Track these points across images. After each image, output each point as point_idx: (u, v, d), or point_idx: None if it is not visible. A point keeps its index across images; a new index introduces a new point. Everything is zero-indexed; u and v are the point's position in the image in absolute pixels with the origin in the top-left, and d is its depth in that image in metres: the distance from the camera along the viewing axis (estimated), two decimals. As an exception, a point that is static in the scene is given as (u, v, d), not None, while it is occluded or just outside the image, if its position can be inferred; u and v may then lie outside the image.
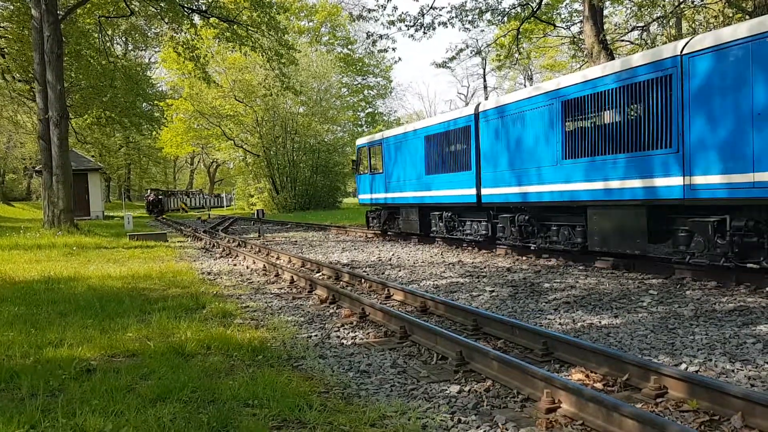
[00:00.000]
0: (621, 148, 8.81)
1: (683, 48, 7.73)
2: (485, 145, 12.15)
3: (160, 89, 47.02)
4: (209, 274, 10.59)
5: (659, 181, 8.14)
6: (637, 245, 8.52)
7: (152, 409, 3.68)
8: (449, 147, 13.57)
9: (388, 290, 7.76)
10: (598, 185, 9.21)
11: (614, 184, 8.90)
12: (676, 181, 7.86)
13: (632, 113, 8.71)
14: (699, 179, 7.52)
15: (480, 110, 12.41)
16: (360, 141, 19.45)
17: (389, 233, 17.42)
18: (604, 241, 9.15)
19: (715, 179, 7.32)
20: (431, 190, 14.37)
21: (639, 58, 8.57)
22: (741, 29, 7.02)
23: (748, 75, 6.86)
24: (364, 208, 18.30)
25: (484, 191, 12.24)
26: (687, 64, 7.66)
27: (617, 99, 8.85)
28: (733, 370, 4.19)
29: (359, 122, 58.34)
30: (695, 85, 7.57)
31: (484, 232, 12.76)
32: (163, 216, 44.51)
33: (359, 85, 60.73)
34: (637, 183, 8.51)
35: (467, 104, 50.58)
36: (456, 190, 13.25)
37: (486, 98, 48.68)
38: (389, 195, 16.82)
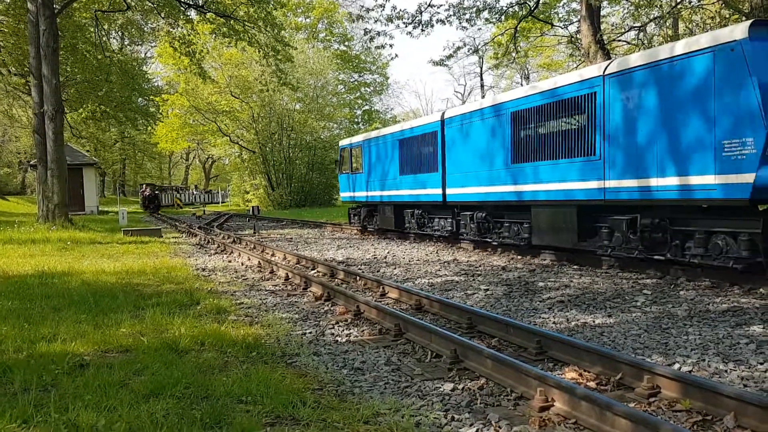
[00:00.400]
0: (556, 155, 9.96)
1: (605, 69, 8.89)
2: (450, 149, 13.31)
3: (156, 84, 46.94)
4: (204, 270, 10.57)
5: (585, 184, 9.31)
6: (570, 240, 9.61)
7: (145, 405, 3.67)
8: (419, 150, 14.75)
9: (383, 288, 7.76)
10: (539, 187, 10.34)
11: (551, 186, 10.03)
12: (599, 184, 9.03)
13: (565, 124, 9.88)
14: (614, 183, 8.73)
15: (445, 117, 13.53)
16: (342, 142, 20.59)
17: (369, 228, 18.38)
18: (544, 237, 10.25)
19: (627, 183, 8.52)
20: (404, 189, 15.54)
21: (571, 77, 9.74)
22: (641, 57, 8.41)
23: (651, 93, 8.15)
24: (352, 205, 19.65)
25: (448, 191, 13.39)
26: (607, 82, 8.83)
27: (553, 112, 10.03)
28: (726, 370, 4.21)
29: (356, 119, 58.28)
30: (607, 102, 8.80)
31: (449, 228, 13.80)
32: (159, 212, 43.81)
33: (356, 83, 60.66)
34: (568, 186, 9.66)
35: (464, 102, 50.60)
36: (425, 189, 14.42)
37: (483, 96, 48.74)
38: (368, 193, 17.93)
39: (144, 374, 4.30)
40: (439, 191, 13.71)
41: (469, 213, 12.79)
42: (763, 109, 6.77)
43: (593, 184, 9.12)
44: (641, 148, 8.30)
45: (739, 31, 7.07)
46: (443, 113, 13.76)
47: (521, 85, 45.61)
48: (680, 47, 7.81)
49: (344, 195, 20.30)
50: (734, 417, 3.24)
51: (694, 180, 7.51)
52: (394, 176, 16.11)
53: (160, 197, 49.04)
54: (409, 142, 15.25)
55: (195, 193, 64.79)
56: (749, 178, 6.82)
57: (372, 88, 62.22)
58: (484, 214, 12.30)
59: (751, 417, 3.19)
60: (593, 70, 9.24)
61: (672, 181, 7.82)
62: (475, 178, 12.27)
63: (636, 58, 8.52)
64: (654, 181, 8.08)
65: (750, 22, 7.11)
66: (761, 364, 4.30)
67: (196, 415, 3.49)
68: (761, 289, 6.85)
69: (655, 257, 8.29)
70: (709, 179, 7.30)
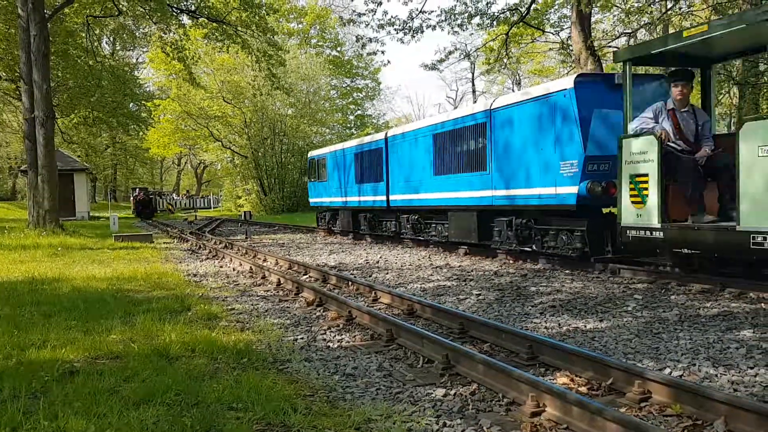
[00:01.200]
0: (463, 169, 12.44)
1: (492, 104, 11.54)
2: (391, 162, 15.89)
3: (148, 89, 46.80)
4: (195, 275, 10.54)
5: (481, 193, 11.77)
6: (474, 238, 12.21)
7: (135, 412, 3.65)
8: (370, 163, 17.20)
9: (375, 293, 7.75)
10: (453, 195, 12.79)
11: (461, 194, 12.49)
12: (489, 193, 11.49)
13: (468, 145, 12.32)
14: (498, 192, 11.25)
15: (388, 136, 16.25)
16: (311, 154, 23.40)
17: (333, 230, 20.78)
18: (457, 235, 12.84)
19: (505, 192, 11.05)
20: (360, 195, 17.95)
21: (474, 107, 12.56)
22: (514, 96, 11.16)
23: (519, 124, 10.65)
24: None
25: (391, 197, 15.90)
26: (493, 115, 11.36)
27: (461, 135, 12.51)
28: (716, 375, 4.22)
29: (348, 125, 58.31)
30: (495, 129, 11.30)
31: (393, 229, 16.34)
32: (153, 218, 41.99)
33: (348, 88, 60.68)
34: (471, 194, 12.13)
35: (455, 107, 50.66)
36: (374, 196, 16.87)
37: (474, 101, 48.86)
38: (331, 199, 20.51)
39: (134, 381, 4.28)
40: (384, 198, 16.22)
41: (406, 216, 15.36)
42: (582, 139, 9.10)
43: (486, 193, 11.62)
44: (514, 166, 10.79)
45: (570, 81, 9.47)
46: (386, 133, 16.54)
47: (512, 90, 45.80)
48: (537, 91, 10.41)
49: (312, 200, 22.96)
50: (724, 422, 3.25)
51: (545, 191, 9.98)
52: (351, 185, 18.60)
53: (154, 202, 47.12)
54: (362, 155, 17.72)
55: (176, 198, 62.90)
56: (575, 189, 9.25)
57: (364, 94, 62.27)
58: (417, 217, 14.96)
59: (742, 422, 3.20)
60: (484, 104, 11.95)
61: (533, 191, 10.31)
62: (409, 187, 14.85)
63: (510, 97, 11.28)
64: (522, 192, 10.59)
65: (576, 74, 9.70)
66: (751, 368, 4.31)
67: (187, 422, 3.47)
68: (751, 294, 6.89)
69: (525, 249, 10.86)
70: (552, 191, 9.80)
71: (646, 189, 7.65)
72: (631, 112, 7.96)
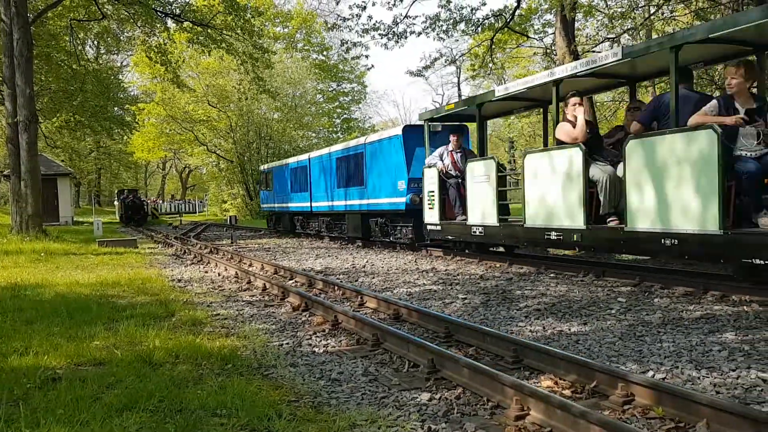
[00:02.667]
0: (352, 184, 17.30)
1: (366, 140, 16.58)
2: (312, 177, 20.88)
3: (132, 93, 46.47)
4: (180, 281, 10.48)
5: (361, 201, 16.68)
6: (361, 234, 16.75)
7: (118, 419, 3.62)
8: (300, 177, 22.25)
9: (362, 297, 7.75)
10: (348, 202, 17.61)
11: (352, 202, 17.33)
12: (366, 201, 16.34)
13: (355, 167, 17.15)
14: (370, 201, 16.04)
15: (310, 157, 21.38)
16: (262, 167, 29.06)
17: (278, 229, 25.47)
18: (352, 233, 17.57)
19: (373, 201, 15.88)
20: (294, 202, 22.93)
21: (357, 141, 17.61)
22: (375, 135, 16.31)
23: (378, 155, 15.61)
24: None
25: (313, 204, 20.80)
26: (366, 147, 16.41)
27: (351, 159, 17.49)
28: (699, 378, 4.26)
29: (335, 128, 58.25)
30: (371, 158, 16.08)
31: (316, 228, 21.12)
32: (141, 226, 36.84)
33: (334, 92, 60.62)
34: (357, 202, 16.96)
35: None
36: (303, 203, 21.79)
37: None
38: (275, 205, 25.65)
39: (117, 387, 4.24)
40: (309, 204, 21.19)
41: (323, 218, 20.34)
42: (407, 167, 14.03)
43: (364, 201, 16.41)
44: (377, 182, 15.63)
45: (400, 129, 14.67)
46: (310, 154, 21.80)
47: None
48: (387, 133, 15.51)
49: (263, 205, 28.35)
50: (707, 424, 3.28)
51: (392, 200, 14.78)
52: (288, 194, 23.64)
53: (146, 206, 42.39)
54: (295, 170, 22.75)
55: (161, 203, 61.50)
56: (404, 199, 14.10)
57: (350, 97, 62.27)
58: (329, 219, 19.76)
59: (724, 424, 3.23)
60: (365, 140, 16.80)
61: (386, 200, 15.09)
62: (324, 196, 19.62)
63: (374, 136, 16.26)
64: (382, 201, 15.33)
65: (404, 126, 14.78)
66: (733, 371, 4.36)
67: (170, 429, 3.45)
68: (733, 296, 6.96)
69: (384, 240, 15.74)
70: (395, 200, 14.60)
71: (434, 200, 12.54)
72: (428, 152, 12.85)
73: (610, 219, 8.48)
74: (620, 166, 8.17)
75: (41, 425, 3.50)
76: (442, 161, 12.32)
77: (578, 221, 8.66)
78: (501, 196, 10.70)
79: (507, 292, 8.08)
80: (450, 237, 12.19)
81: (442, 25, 19.69)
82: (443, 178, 12.25)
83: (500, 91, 10.52)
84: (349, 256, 14.08)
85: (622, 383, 3.80)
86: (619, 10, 18.84)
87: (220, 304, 8.01)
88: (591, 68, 8.52)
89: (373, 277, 10.18)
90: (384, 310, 7.11)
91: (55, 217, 35.57)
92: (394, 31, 19.47)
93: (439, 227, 12.35)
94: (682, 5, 18.05)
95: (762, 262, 6.33)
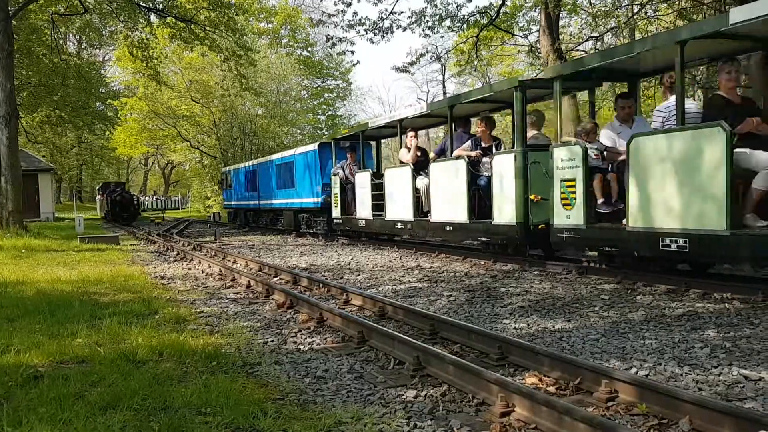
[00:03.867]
0: (287, 186, 21.53)
1: (296, 151, 21.02)
2: (260, 179, 25.29)
3: (115, 88, 45.97)
4: (163, 278, 10.40)
5: (292, 200, 20.87)
6: (294, 227, 20.95)
7: (102, 417, 3.59)
8: (252, 179, 26.59)
9: (347, 295, 7.74)
10: (284, 201, 21.98)
11: (286, 201, 21.64)
12: (297, 200, 20.57)
13: (288, 173, 21.32)
14: (299, 200, 20.23)
15: (259, 163, 26.09)
16: (223, 169, 35.14)
17: (237, 222, 30.24)
18: (286, 225, 21.95)
19: (300, 200, 20.18)
20: (248, 200, 27.60)
21: (288, 152, 22.27)
22: (299, 150, 21.17)
23: (300, 164, 20.43)
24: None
25: (261, 202, 25.33)
26: (296, 157, 20.71)
27: (286, 167, 21.65)
28: (681, 374, 4.30)
29: (319, 125, 58.06)
30: (298, 166, 20.31)
31: (263, 222, 25.56)
32: (130, 224, 32.25)
33: (319, 88, 60.41)
34: (290, 201, 21.18)
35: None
36: (252, 201, 26.65)
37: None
38: (234, 202, 30.63)
39: (100, 386, 4.20)
40: (257, 202, 25.85)
41: (266, 214, 25.12)
42: (321, 175, 18.42)
43: (296, 200, 20.69)
44: (300, 185, 20.25)
45: (316, 145, 19.16)
46: (258, 160, 26.77)
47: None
48: (306, 148, 20.09)
49: (225, 203, 33.28)
50: (689, 420, 3.31)
51: (312, 200, 19.08)
52: (242, 193, 28.42)
53: (137, 201, 37.20)
54: (247, 173, 27.51)
55: (142, 198, 59.59)
56: (320, 200, 18.34)
57: (335, 94, 62.07)
58: (272, 215, 24.39)
59: (706, 420, 3.26)
60: (292, 151, 21.77)
61: (309, 200, 19.38)
62: (268, 196, 24.25)
63: (300, 149, 20.87)
64: (306, 200, 19.60)
65: (318, 143, 19.46)
66: (715, 367, 4.41)
67: (154, 428, 3.43)
68: (715, 294, 7.04)
69: (309, 231, 19.82)
70: (314, 200, 18.93)
71: (337, 199, 16.71)
72: (335, 163, 17.25)
73: (428, 214, 12.30)
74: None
75: (23, 424, 3.46)
76: (343, 171, 16.54)
77: (410, 216, 12.94)
78: (375, 197, 14.52)
79: (492, 290, 8.11)
80: (347, 228, 16.49)
81: (428, 21, 19.72)
82: (343, 184, 16.40)
83: (373, 123, 15.31)
84: (334, 253, 14.05)
85: (606, 380, 3.83)
86: (603, 8, 18.96)
87: (203, 302, 7.96)
88: (421, 113, 12.81)
89: (359, 275, 10.17)
90: (369, 307, 7.11)
91: (36, 213, 35.14)
92: (379, 27, 19.45)
93: (341, 220, 16.76)
94: (665, 5, 18.20)
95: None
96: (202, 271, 11.38)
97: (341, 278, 9.85)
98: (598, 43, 18.88)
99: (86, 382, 4.26)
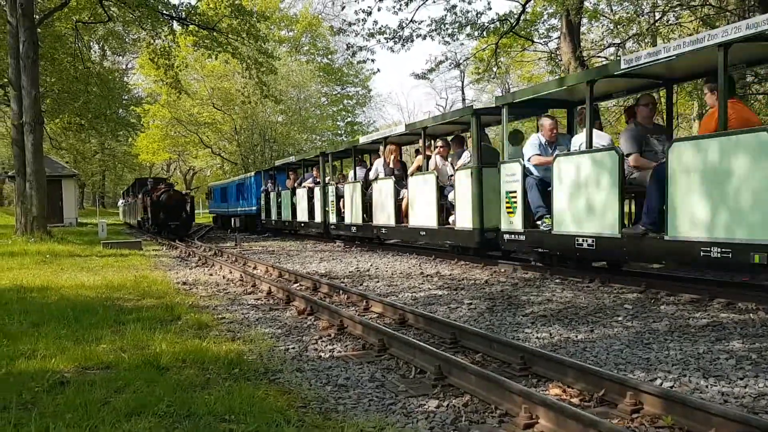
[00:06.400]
0: (243, 198, 29.40)
1: (255, 174, 28.58)
2: (229, 193, 32.43)
3: (137, 95, 46.53)
4: (185, 284, 10.49)
5: (246, 208, 28.99)
6: (251, 228, 27.86)
7: (127, 424, 3.62)
8: (230, 192, 32.72)
9: (367, 302, 7.75)
10: (240, 209, 29.82)
11: (242, 209, 29.44)
12: (246, 208, 28.75)
13: (244, 190, 29.17)
14: (248, 208, 28.58)
15: (228, 182, 33.97)
16: (210, 184, 43.43)
17: (219, 225, 35.94)
18: (242, 225, 28.59)
19: (248, 208, 28.55)
20: (222, 209, 35.04)
21: (244, 176, 30.99)
22: (250, 174, 30.08)
23: (254, 183, 28.10)
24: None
25: (230, 210, 32.12)
26: (248, 179, 28.96)
27: (243, 185, 29.55)
28: (706, 386, 4.25)
29: (339, 131, 58.21)
30: (248, 186, 28.66)
31: (238, 226, 28.70)
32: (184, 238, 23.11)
33: (338, 95, 60.59)
34: (245, 209, 28.95)
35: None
36: (230, 209, 32.43)
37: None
38: (215, 210, 38.25)
39: (125, 392, 4.25)
40: (227, 210, 33.09)
41: (233, 218, 30.18)
42: (256, 191, 27.32)
43: (246, 208, 28.54)
44: (250, 199, 28.09)
45: (255, 172, 28.89)
46: (229, 180, 35.08)
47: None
48: (249, 174, 29.71)
49: (210, 209, 42.01)
50: (716, 433, 3.28)
51: (252, 208, 27.90)
52: (220, 203, 35.80)
53: (191, 209, 24.72)
54: (227, 188, 33.84)
55: None
56: (255, 208, 27.41)
57: (355, 101, 62.19)
58: (237, 219, 29.52)
59: (732, 433, 3.25)
60: (248, 175, 29.72)
61: (250, 208, 28.07)
62: (233, 205, 31.39)
63: (251, 174, 29.05)
64: (250, 208, 28.11)
65: (256, 171, 29.40)
66: (741, 379, 4.35)
67: (179, 435, 3.45)
68: (739, 304, 6.94)
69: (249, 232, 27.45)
70: (253, 207, 27.80)
71: (271, 207, 24.64)
72: (265, 184, 25.75)
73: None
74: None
75: (50, 429, 3.51)
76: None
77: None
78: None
79: (512, 298, 8.07)
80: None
81: (447, 29, 19.72)
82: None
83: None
84: (353, 259, 14.07)
85: (631, 392, 3.79)
86: (625, 15, 18.85)
87: (225, 308, 8.02)
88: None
89: (378, 281, 10.17)
90: (390, 315, 7.11)
91: (60, 219, 35.66)
92: (399, 35, 19.50)
93: (273, 223, 24.39)
94: (688, 12, 18.04)
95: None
96: (223, 277, 11.46)
97: (361, 285, 9.86)
98: (620, 50, 18.76)
99: (111, 389, 4.31)
